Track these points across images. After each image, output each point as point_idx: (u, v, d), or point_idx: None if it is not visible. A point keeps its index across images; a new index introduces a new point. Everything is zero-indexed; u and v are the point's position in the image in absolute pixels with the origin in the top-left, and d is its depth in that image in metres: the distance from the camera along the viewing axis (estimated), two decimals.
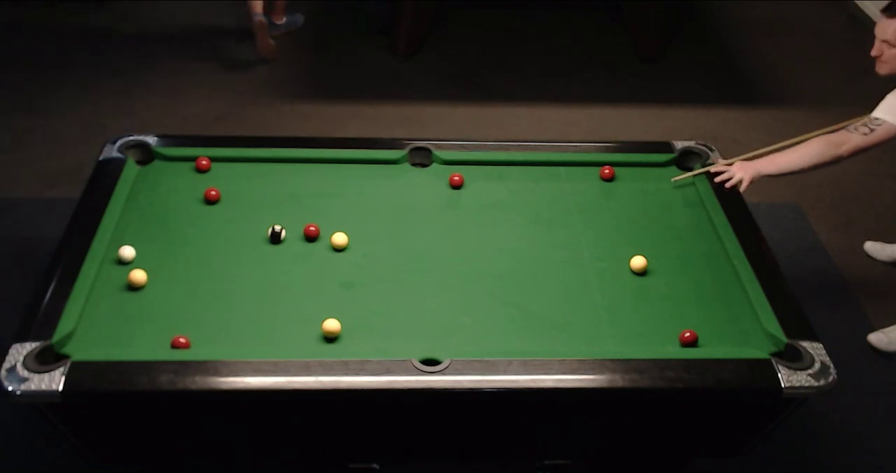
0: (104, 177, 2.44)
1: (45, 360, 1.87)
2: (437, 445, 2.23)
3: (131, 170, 2.50)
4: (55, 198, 3.51)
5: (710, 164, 2.61)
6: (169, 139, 2.64)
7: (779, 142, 2.69)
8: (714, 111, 4.44)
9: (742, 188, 2.49)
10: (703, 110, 4.44)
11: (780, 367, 1.95)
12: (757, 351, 2.02)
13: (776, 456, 2.66)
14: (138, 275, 2.14)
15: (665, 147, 2.71)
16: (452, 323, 2.11)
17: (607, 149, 2.73)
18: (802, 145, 2.51)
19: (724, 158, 2.66)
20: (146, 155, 2.57)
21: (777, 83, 4.75)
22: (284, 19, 4.89)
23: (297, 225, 2.35)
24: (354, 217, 2.42)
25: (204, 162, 2.55)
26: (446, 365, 1.91)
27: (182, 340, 1.97)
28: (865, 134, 2.45)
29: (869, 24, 5.17)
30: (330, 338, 2.04)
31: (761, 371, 1.95)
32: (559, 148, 2.73)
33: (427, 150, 2.64)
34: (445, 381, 1.89)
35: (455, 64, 4.76)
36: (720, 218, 2.42)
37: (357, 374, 1.89)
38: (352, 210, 2.45)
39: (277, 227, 2.31)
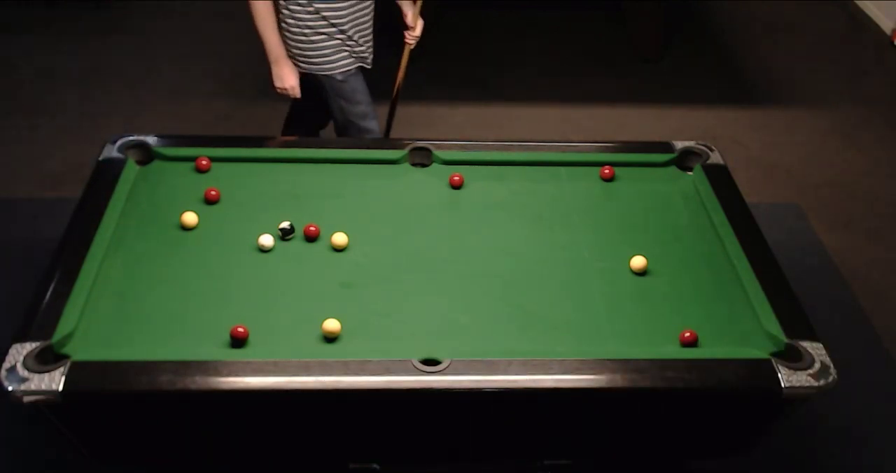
0: (104, 177, 2.44)
1: (45, 360, 1.87)
2: (438, 445, 2.23)
3: (131, 170, 2.50)
4: (55, 198, 3.51)
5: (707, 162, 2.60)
6: (169, 139, 2.64)
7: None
8: (714, 111, 4.44)
9: None
10: (703, 110, 4.44)
11: (781, 367, 1.95)
12: (757, 351, 2.02)
13: (776, 456, 2.66)
14: (189, 217, 2.31)
15: (665, 147, 2.71)
16: (452, 323, 2.11)
17: (607, 149, 2.73)
18: None
19: (724, 158, 2.66)
20: (146, 155, 2.57)
21: (777, 83, 4.75)
22: None
23: (297, 225, 2.34)
24: (354, 217, 2.42)
25: (204, 162, 2.55)
26: (446, 365, 1.91)
27: (241, 329, 1.99)
28: None
29: (869, 24, 5.18)
30: (330, 338, 2.04)
31: (761, 371, 1.95)
32: (559, 148, 2.73)
33: (427, 150, 2.64)
34: (445, 381, 1.89)
35: (455, 64, 4.76)
36: (720, 218, 2.42)
37: (357, 374, 1.89)
38: (352, 210, 2.45)
39: (287, 224, 2.31)
